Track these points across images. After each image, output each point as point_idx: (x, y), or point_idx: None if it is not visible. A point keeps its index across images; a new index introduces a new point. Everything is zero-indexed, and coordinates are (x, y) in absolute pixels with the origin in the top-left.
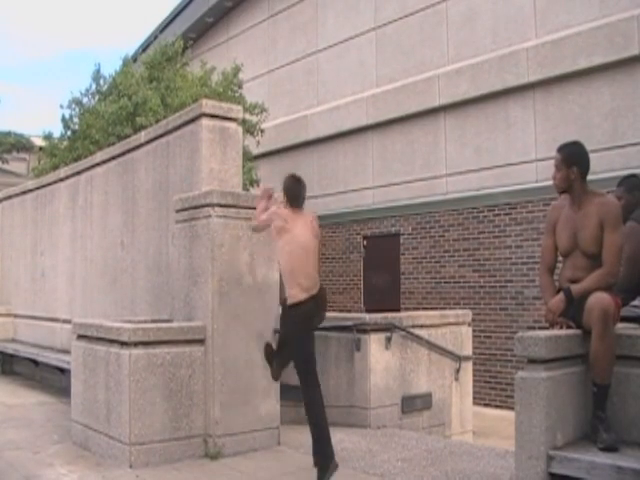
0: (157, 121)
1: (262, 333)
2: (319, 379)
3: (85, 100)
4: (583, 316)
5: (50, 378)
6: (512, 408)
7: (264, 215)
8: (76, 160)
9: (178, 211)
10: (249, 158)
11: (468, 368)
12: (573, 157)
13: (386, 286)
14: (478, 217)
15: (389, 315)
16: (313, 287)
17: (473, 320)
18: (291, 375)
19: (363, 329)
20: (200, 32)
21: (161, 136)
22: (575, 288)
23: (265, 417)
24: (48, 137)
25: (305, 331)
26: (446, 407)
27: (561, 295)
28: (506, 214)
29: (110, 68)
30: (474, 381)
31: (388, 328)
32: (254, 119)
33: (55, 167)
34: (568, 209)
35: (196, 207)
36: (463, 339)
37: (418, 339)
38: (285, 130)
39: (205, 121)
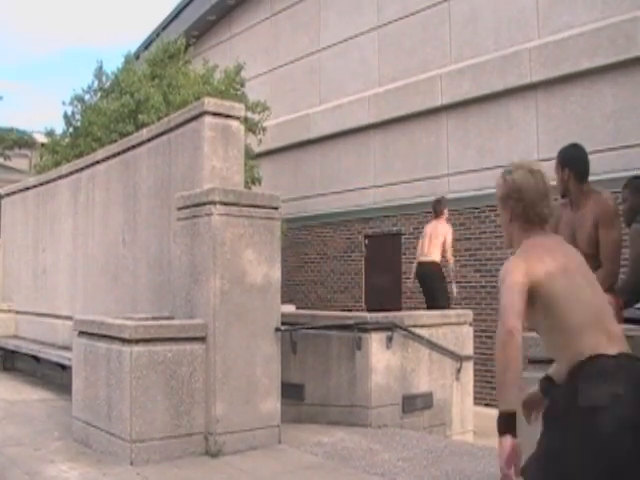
0: (159, 119)
1: (263, 331)
2: (321, 378)
3: (87, 97)
4: None
5: (51, 375)
6: None
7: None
8: (78, 157)
9: (180, 209)
10: (251, 156)
11: (469, 368)
12: (564, 160)
13: (387, 285)
14: (480, 217)
15: (390, 314)
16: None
17: (474, 320)
18: (291, 374)
19: (364, 328)
20: (202, 30)
21: (163, 134)
22: None
23: (266, 415)
24: (50, 134)
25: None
26: (447, 407)
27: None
28: None
29: (112, 65)
30: (475, 381)
31: (389, 327)
32: (256, 117)
33: (57, 164)
34: (569, 210)
35: (198, 205)
36: (464, 339)
37: (419, 339)
38: (287, 129)
39: (207, 119)
